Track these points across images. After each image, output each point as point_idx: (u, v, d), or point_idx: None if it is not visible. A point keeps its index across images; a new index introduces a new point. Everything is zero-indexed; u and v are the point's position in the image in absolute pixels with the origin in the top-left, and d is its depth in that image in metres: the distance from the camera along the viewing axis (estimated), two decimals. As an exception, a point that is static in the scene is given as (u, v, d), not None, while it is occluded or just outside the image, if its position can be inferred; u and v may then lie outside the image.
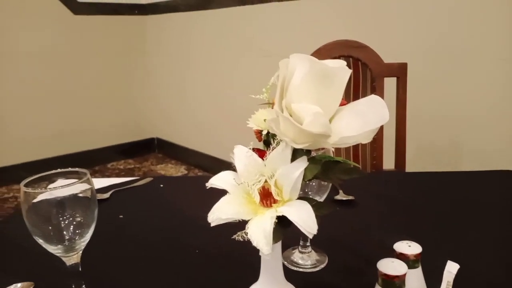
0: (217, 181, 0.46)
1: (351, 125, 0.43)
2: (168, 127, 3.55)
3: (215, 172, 0.48)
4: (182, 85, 3.28)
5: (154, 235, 0.76)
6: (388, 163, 1.32)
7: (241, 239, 0.44)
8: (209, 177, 0.47)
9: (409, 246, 0.51)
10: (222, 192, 0.45)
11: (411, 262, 0.50)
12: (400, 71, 1.28)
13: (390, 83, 1.29)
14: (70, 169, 0.54)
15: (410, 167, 1.33)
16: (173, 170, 3.23)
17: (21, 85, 2.88)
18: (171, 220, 0.82)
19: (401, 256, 0.50)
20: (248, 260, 0.56)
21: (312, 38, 1.54)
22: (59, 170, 0.54)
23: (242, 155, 0.46)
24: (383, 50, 1.31)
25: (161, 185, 1.00)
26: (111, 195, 0.91)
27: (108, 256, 0.68)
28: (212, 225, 0.42)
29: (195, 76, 3.13)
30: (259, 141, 0.54)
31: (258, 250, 0.46)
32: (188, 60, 3.15)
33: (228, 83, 2.86)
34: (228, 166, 0.49)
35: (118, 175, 3.05)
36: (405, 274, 0.46)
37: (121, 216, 0.82)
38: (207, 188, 0.47)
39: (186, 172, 3.19)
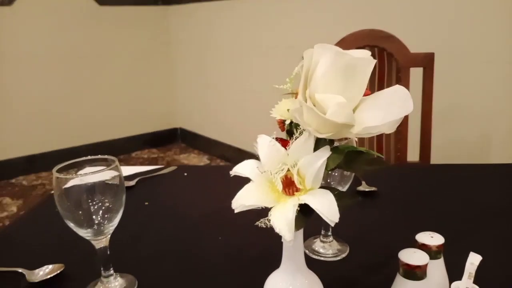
0: (241, 169, 0.47)
1: (375, 115, 0.43)
2: (192, 117, 3.59)
3: (237, 162, 0.49)
4: (206, 76, 3.30)
5: (178, 221, 0.78)
6: (413, 155, 1.30)
7: (264, 226, 0.45)
8: (232, 167, 0.48)
9: (432, 237, 0.51)
10: (244, 182, 0.46)
11: (433, 253, 0.50)
12: (426, 62, 1.26)
13: (416, 74, 1.27)
14: (99, 156, 0.56)
15: (435, 160, 1.31)
16: (196, 160, 3.27)
17: (46, 76, 2.96)
18: (194, 208, 0.84)
19: (423, 247, 0.50)
20: (270, 247, 0.57)
21: (337, 28, 1.53)
22: (89, 157, 0.56)
23: (265, 144, 0.47)
24: (409, 40, 1.29)
25: (185, 174, 1.02)
26: (136, 182, 0.94)
27: (134, 241, 0.71)
28: (235, 211, 0.43)
29: (218, 67, 3.14)
30: (282, 131, 0.54)
31: (280, 238, 0.47)
32: (212, 50, 3.16)
33: (251, 74, 2.86)
34: (250, 156, 0.50)
35: (142, 164, 3.12)
36: (426, 265, 0.46)
37: (147, 203, 0.85)
38: (231, 176, 0.48)
39: (208, 162, 3.23)
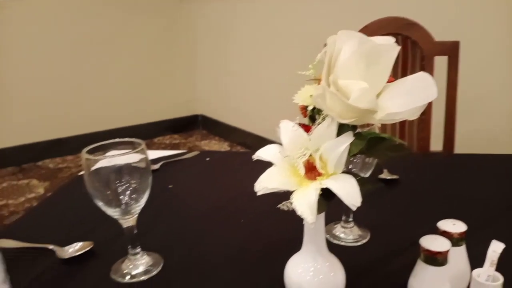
0: (263, 153, 0.48)
1: (398, 102, 0.43)
2: (212, 104, 3.61)
3: (257, 149, 0.50)
4: (226, 63, 3.31)
5: (201, 204, 0.80)
6: (436, 145, 1.29)
7: (285, 209, 0.46)
8: (253, 153, 0.49)
9: (454, 224, 0.52)
10: (265, 167, 0.47)
11: (455, 240, 0.50)
12: (451, 50, 1.24)
13: (441, 63, 1.25)
14: (127, 139, 0.58)
15: (459, 150, 1.29)
16: (217, 146, 3.30)
17: (71, 62, 3.02)
18: (217, 191, 0.86)
19: (445, 234, 0.50)
20: (290, 232, 0.58)
21: (359, 15, 1.51)
22: (117, 139, 0.58)
23: (288, 129, 0.48)
24: (434, 28, 1.26)
25: (207, 159, 1.04)
26: (160, 166, 0.96)
27: (160, 221, 0.73)
28: (258, 194, 0.44)
29: (239, 54, 3.14)
30: (304, 116, 0.55)
31: (300, 222, 0.48)
32: (233, 37, 3.16)
33: (272, 61, 2.85)
34: (270, 143, 0.50)
35: (164, 150, 3.16)
36: (447, 251, 0.47)
37: (171, 186, 0.87)
38: (253, 161, 0.49)
39: (229, 148, 3.25)
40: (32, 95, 2.91)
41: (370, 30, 1.26)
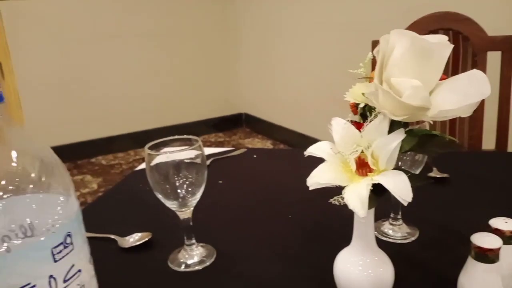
0: (315, 149, 0.50)
1: (450, 99, 0.44)
2: (256, 102, 3.65)
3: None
4: (270, 62, 3.33)
5: (249, 199, 0.83)
6: (488, 143, 1.25)
7: (337, 203, 0.47)
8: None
9: (506, 222, 0.51)
10: (310, 164, 0.48)
11: (506, 238, 0.50)
12: (505, 45, 1.20)
13: (494, 58, 1.21)
14: (184, 136, 0.61)
15: (512, 148, 1.25)
16: (260, 144, 3.33)
17: (118, 63, 3.16)
18: (264, 187, 0.88)
19: (497, 232, 0.50)
20: (340, 226, 0.60)
21: (408, 10, 1.48)
22: (176, 136, 0.61)
23: (339, 127, 0.49)
24: (486, 23, 1.22)
25: (254, 156, 1.07)
26: (211, 162, 1.00)
27: (211, 215, 0.76)
28: (310, 188, 0.46)
29: (283, 53, 3.16)
30: (355, 114, 0.56)
31: (348, 218, 0.50)
32: (277, 36, 3.18)
33: (316, 59, 2.85)
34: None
35: (209, 147, 3.24)
36: (499, 249, 0.46)
37: (221, 182, 0.90)
38: (301, 157, 0.51)
39: (272, 146, 3.28)
40: (87, 96, 3.07)
41: (420, 25, 1.24)
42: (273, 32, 3.23)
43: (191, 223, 0.62)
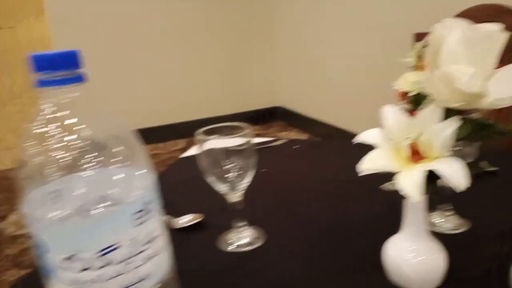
0: (366, 137, 0.51)
1: (506, 87, 0.44)
2: (292, 96, 3.65)
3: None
4: (307, 55, 3.32)
5: (293, 187, 0.85)
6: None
7: (387, 190, 0.48)
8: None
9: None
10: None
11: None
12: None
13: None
14: (235, 123, 0.64)
15: None
16: (296, 138, 3.34)
17: (161, 58, 3.24)
18: (308, 176, 0.90)
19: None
20: (386, 213, 0.60)
21: (452, 1, 1.44)
22: (227, 123, 0.64)
23: (392, 114, 0.50)
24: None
25: (296, 146, 1.09)
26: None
27: (257, 201, 0.78)
28: (363, 173, 0.47)
29: (321, 45, 3.14)
30: (403, 102, 0.57)
31: (395, 205, 0.50)
32: (316, 28, 3.16)
33: (354, 51, 2.82)
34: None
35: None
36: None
37: (265, 170, 0.92)
38: (354, 143, 0.52)
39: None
40: (129, 88, 3.17)
41: (465, 17, 1.21)
42: (311, 25, 3.22)
43: (241, 207, 0.65)
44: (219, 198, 0.65)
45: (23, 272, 2.00)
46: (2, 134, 3.01)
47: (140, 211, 0.36)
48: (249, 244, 0.65)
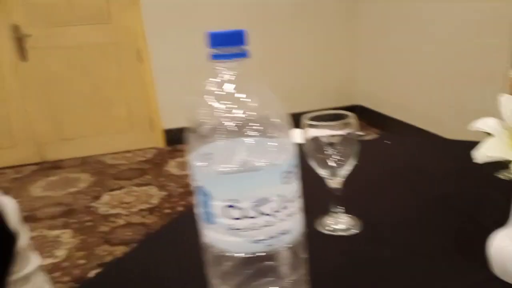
0: (482, 125, 0.50)
1: None
2: (371, 95, 3.57)
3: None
4: (389, 53, 3.23)
5: (389, 179, 0.86)
6: None
7: (504, 178, 0.48)
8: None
9: None
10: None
11: None
12: None
13: None
14: (340, 111, 0.66)
15: None
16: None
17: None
18: (400, 169, 0.89)
19: None
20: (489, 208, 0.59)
21: None
22: (331, 111, 0.66)
23: (509, 103, 0.49)
24: None
25: (386, 142, 1.08)
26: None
27: (360, 189, 0.78)
28: (477, 161, 0.47)
29: (403, 44, 3.04)
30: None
31: (499, 201, 0.49)
32: (399, 26, 3.07)
33: (437, 51, 2.69)
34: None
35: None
36: None
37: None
38: (471, 130, 0.52)
39: (387, 141, 3.19)
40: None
41: None
42: (394, 23, 3.13)
43: (340, 193, 0.66)
44: (321, 183, 0.67)
45: (113, 248, 2.18)
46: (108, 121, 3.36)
47: (287, 172, 0.43)
48: (344, 230, 0.67)
